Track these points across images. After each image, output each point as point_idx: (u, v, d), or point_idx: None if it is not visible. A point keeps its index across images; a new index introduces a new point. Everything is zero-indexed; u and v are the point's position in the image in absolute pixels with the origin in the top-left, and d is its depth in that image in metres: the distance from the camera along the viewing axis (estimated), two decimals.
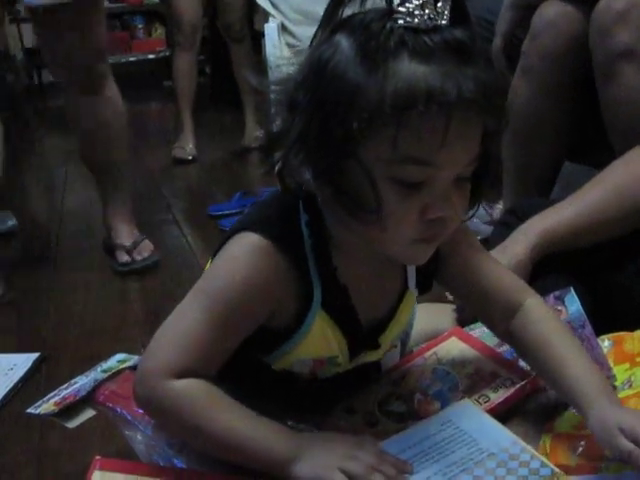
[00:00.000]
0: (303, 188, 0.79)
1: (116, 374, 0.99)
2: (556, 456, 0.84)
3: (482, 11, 1.76)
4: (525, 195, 1.59)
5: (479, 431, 0.86)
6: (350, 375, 0.93)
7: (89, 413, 0.99)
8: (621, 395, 0.91)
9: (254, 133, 3.16)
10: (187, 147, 3.14)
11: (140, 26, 5.33)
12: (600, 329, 1.00)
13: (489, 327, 0.98)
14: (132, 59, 5.22)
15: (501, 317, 0.93)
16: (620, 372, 0.95)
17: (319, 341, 0.86)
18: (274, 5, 2.61)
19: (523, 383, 0.95)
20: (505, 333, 0.94)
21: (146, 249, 2.01)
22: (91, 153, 2.02)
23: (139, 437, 0.90)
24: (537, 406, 0.96)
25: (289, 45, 2.52)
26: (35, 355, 1.49)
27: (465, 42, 0.72)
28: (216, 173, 3.03)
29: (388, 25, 0.71)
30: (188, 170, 3.08)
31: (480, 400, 0.93)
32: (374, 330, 0.91)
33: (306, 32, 2.23)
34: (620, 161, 1.22)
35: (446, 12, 0.72)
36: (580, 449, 0.83)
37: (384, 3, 0.73)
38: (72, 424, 1.00)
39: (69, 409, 0.98)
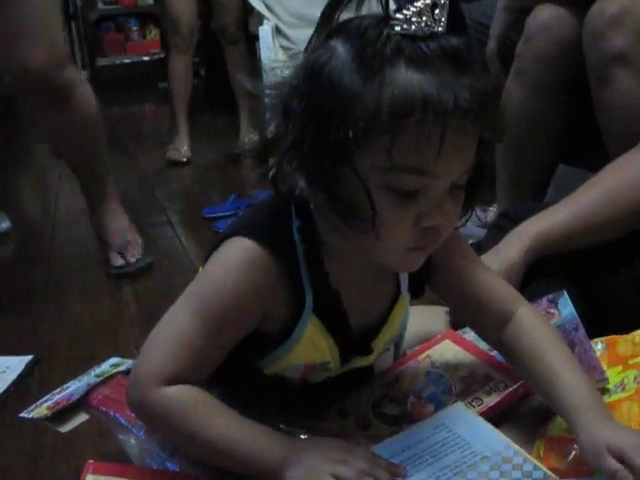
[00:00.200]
0: (296, 194, 0.78)
1: (109, 378, 0.99)
2: (549, 460, 0.84)
3: (478, 15, 1.76)
4: (519, 198, 1.58)
5: (472, 434, 0.86)
6: (341, 379, 0.93)
7: (82, 417, 0.99)
8: (614, 398, 0.91)
9: (248, 136, 3.15)
10: (182, 149, 3.13)
11: (134, 28, 5.32)
12: (593, 332, 1.00)
13: (481, 336, 0.98)
14: (127, 61, 5.25)
15: (493, 326, 0.93)
16: (613, 375, 0.95)
17: (311, 347, 0.86)
18: (269, 7, 2.61)
19: (516, 386, 0.95)
20: (497, 342, 0.94)
21: (137, 247, 1.97)
22: (68, 156, 1.92)
23: (132, 441, 0.90)
24: (530, 409, 0.96)
25: (283, 48, 2.52)
26: (28, 358, 1.47)
27: (462, 50, 0.71)
28: (211, 175, 3.03)
29: (385, 32, 0.70)
30: (182, 172, 3.07)
31: (473, 403, 0.94)
32: (366, 335, 0.91)
33: (300, 35, 2.23)
34: (614, 164, 1.22)
35: (443, 19, 0.71)
36: (573, 453, 0.83)
37: (380, 8, 0.72)
38: (65, 428, 1.00)
39: (62, 413, 0.98)
